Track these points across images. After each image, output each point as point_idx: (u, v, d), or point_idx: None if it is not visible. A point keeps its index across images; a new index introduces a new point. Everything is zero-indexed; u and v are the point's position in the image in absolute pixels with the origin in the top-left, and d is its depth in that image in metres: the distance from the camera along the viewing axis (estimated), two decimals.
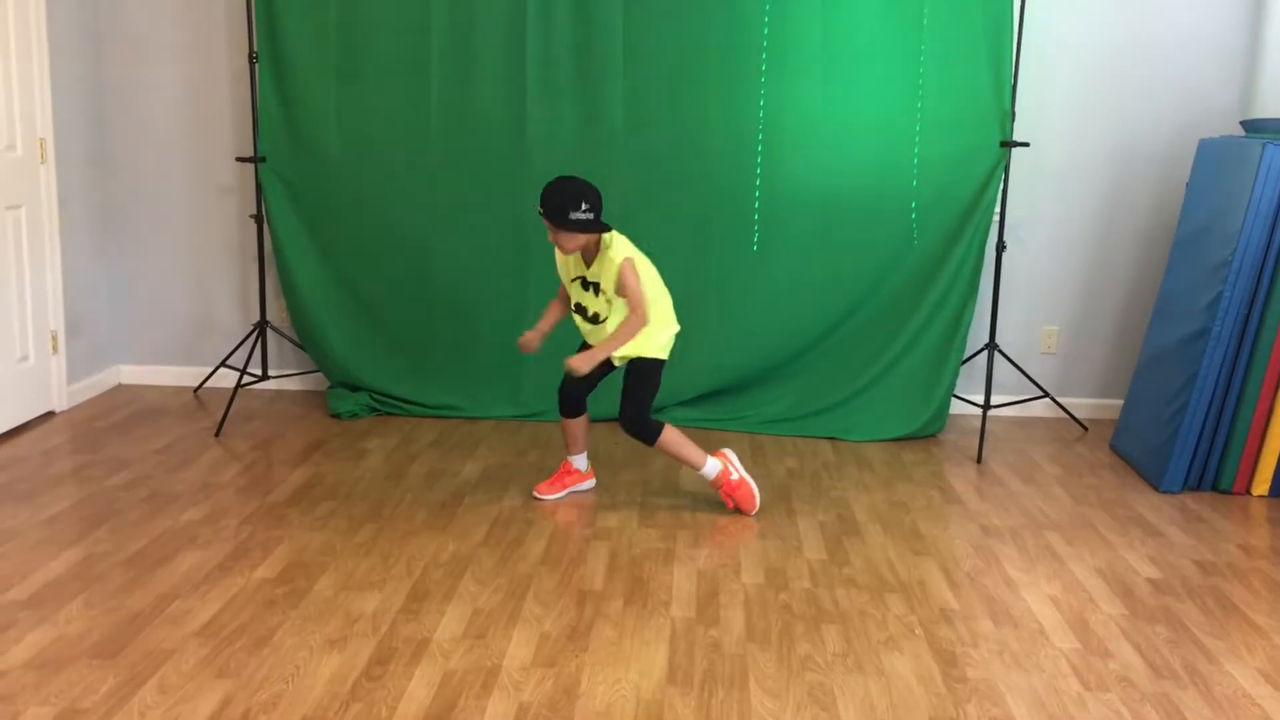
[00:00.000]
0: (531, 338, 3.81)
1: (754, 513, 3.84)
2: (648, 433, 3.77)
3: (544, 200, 3.60)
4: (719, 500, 3.96)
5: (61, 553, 3.39)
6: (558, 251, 3.73)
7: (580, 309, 3.76)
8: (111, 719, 2.51)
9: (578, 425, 3.96)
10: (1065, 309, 5.12)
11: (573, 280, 3.75)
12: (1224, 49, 4.85)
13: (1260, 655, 2.94)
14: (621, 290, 3.64)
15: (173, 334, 5.35)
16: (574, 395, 3.91)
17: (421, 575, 3.30)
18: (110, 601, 3.07)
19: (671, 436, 3.79)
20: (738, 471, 3.86)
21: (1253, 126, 4.51)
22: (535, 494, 3.95)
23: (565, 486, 3.99)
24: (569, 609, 3.10)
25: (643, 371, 3.77)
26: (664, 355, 3.78)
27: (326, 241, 4.96)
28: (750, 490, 3.85)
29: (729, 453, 3.92)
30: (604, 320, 3.71)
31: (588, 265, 3.68)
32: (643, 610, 3.11)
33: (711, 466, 3.83)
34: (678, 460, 3.86)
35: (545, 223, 3.63)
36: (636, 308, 3.64)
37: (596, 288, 3.68)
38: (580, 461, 4.02)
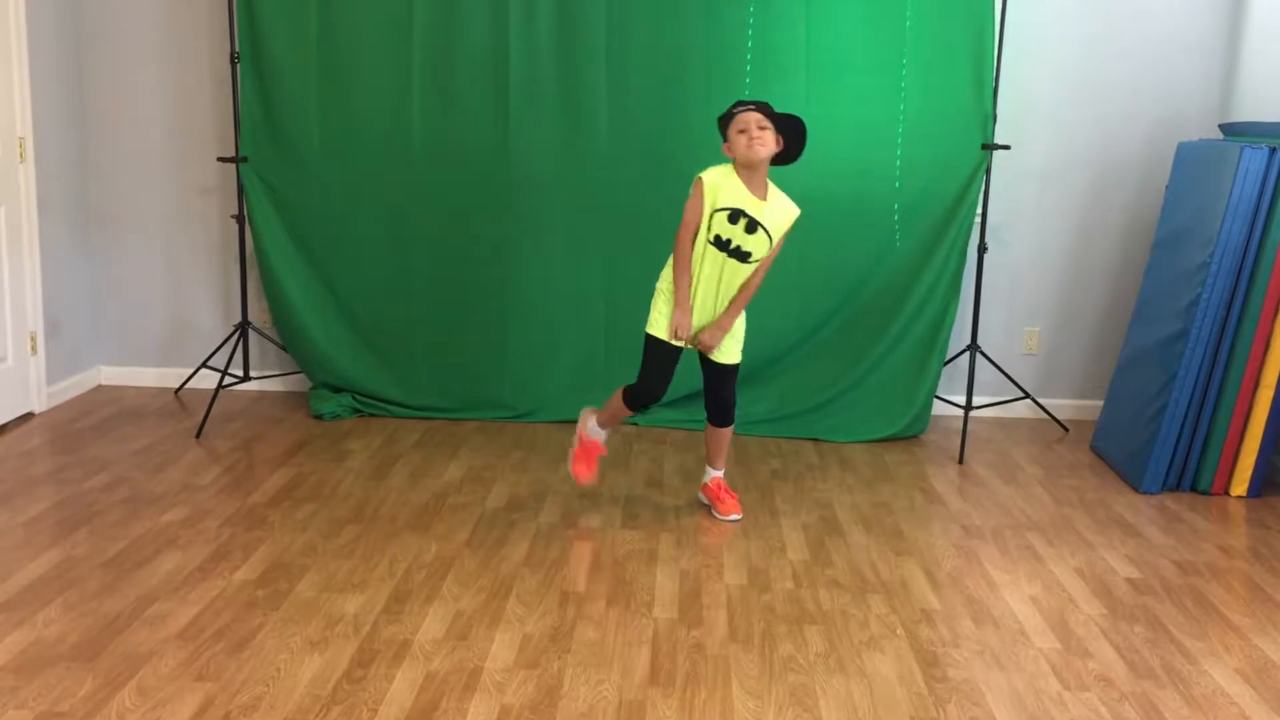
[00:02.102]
0: (686, 319, 3.61)
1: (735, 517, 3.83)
2: (731, 418, 3.85)
3: (751, 102, 3.54)
4: (703, 502, 3.96)
5: (40, 554, 3.37)
6: (710, 177, 3.53)
7: (724, 244, 3.55)
8: None
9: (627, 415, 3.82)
10: (1046, 310, 5.14)
11: (722, 210, 3.51)
12: (1203, 53, 4.88)
13: (1238, 655, 2.96)
14: (779, 247, 3.61)
15: (153, 335, 5.33)
16: (659, 391, 3.71)
17: (404, 577, 3.29)
18: (89, 604, 3.05)
19: (728, 433, 3.88)
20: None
21: (1231, 130, 4.55)
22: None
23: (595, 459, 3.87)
24: (551, 610, 3.10)
25: (733, 375, 3.77)
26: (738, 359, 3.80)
27: (308, 242, 4.94)
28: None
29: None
30: (753, 261, 3.58)
31: (760, 198, 3.53)
32: (625, 611, 3.11)
33: (714, 473, 3.92)
34: (712, 452, 3.89)
35: (748, 118, 3.47)
36: (764, 271, 3.65)
37: (754, 224, 3.52)
38: (605, 435, 3.88)
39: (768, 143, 3.49)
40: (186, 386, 5.24)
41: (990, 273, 4.92)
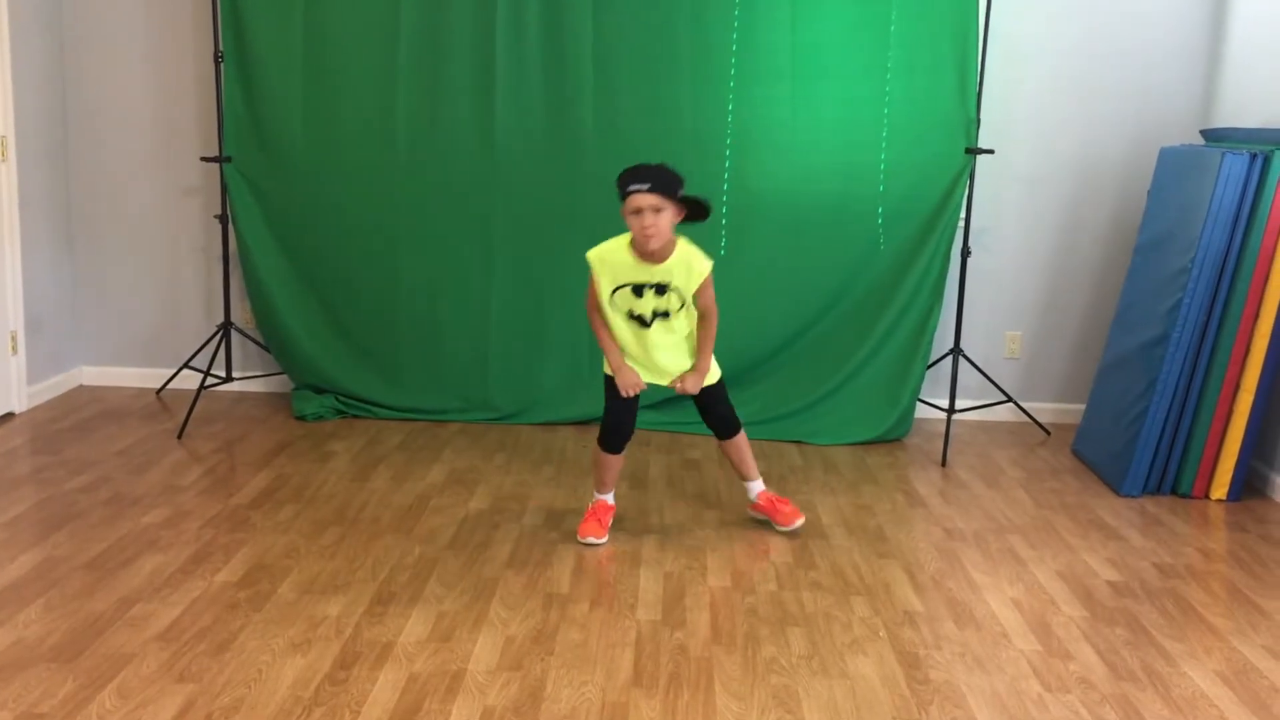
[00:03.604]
0: (632, 377, 3.53)
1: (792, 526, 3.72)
2: (737, 426, 3.73)
3: (645, 175, 3.31)
4: (687, 504, 3.97)
5: (20, 555, 3.35)
6: (598, 252, 3.46)
7: (638, 317, 3.49)
8: None
9: (620, 460, 3.69)
10: (1028, 314, 5.17)
11: (620, 288, 3.45)
12: (1185, 59, 4.91)
13: (1218, 657, 2.98)
14: (704, 298, 3.49)
15: (135, 335, 5.30)
16: (627, 427, 3.63)
17: (387, 578, 3.28)
18: (70, 605, 3.04)
19: (743, 440, 3.77)
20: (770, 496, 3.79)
21: (1212, 135, 4.58)
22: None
23: (606, 523, 3.68)
24: (535, 612, 3.10)
25: (714, 393, 3.67)
26: (718, 374, 3.68)
27: (292, 242, 4.93)
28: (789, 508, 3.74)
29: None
30: (672, 316, 3.48)
31: (656, 262, 3.41)
32: (609, 613, 3.11)
33: (755, 487, 3.79)
34: (741, 463, 3.76)
35: (639, 200, 3.29)
36: (713, 313, 3.54)
37: (661, 289, 3.43)
38: (611, 497, 3.75)
39: (662, 229, 3.32)
40: (168, 387, 5.22)
41: (973, 277, 4.94)
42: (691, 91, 4.74)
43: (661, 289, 3.44)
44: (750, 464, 3.77)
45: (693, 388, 3.58)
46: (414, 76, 4.78)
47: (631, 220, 3.36)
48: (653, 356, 3.57)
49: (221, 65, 4.77)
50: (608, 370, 3.59)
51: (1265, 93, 4.46)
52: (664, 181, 3.33)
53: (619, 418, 3.61)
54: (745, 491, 3.81)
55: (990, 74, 4.73)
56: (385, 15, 4.74)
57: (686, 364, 3.60)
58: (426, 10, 4.73)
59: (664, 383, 3.64)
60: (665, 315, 3.50)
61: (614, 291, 3.47)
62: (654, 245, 3.36)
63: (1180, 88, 4.94)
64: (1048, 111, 4.98)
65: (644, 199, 3.30)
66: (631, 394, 3.54)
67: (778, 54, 4.72)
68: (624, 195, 3.34)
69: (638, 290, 3.45)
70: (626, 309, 3.49)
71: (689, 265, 3.45)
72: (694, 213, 3.41)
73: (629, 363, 3.57)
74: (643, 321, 3.50)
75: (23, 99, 4.78)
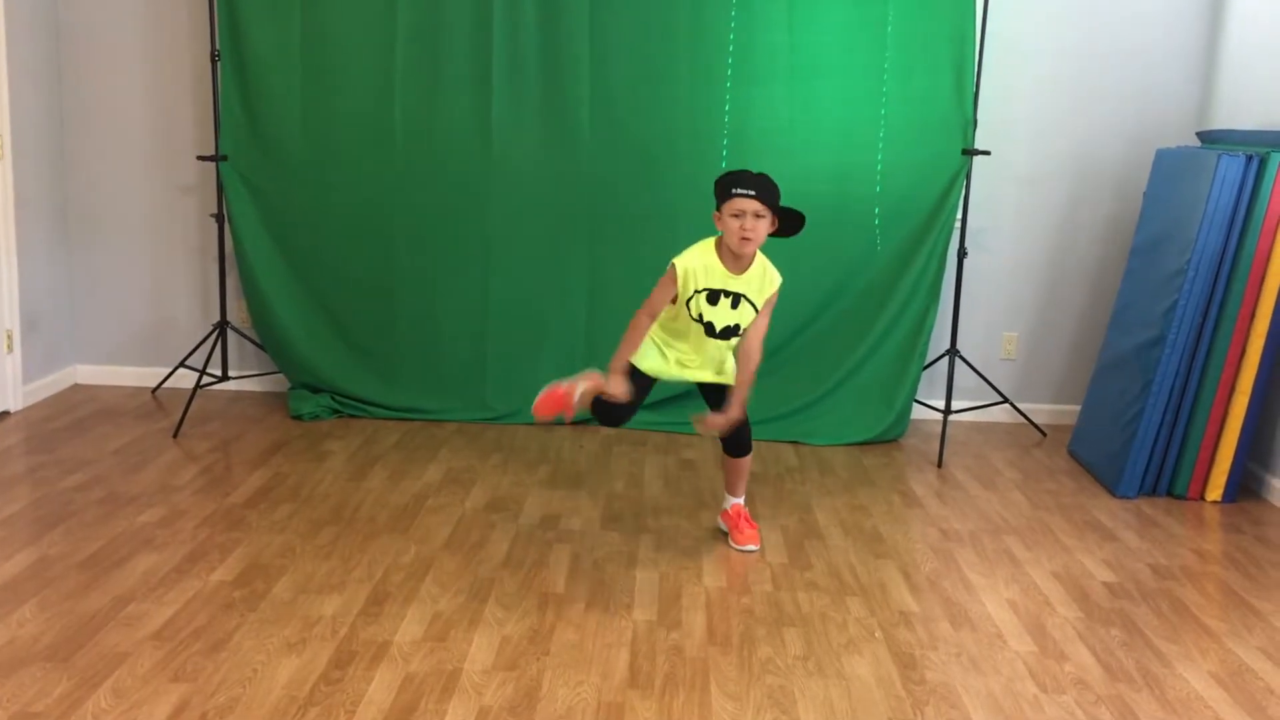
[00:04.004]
0: (622, 388, 3.39)
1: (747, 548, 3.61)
2: (749, 446, 3.65)
3: (753, 182, 3.29)
4: (683, 504, 3.97)
5: (15, 554, 3.34)
6: (687, 261, 3.35)
7: (708, 325, 3.40)
8: None
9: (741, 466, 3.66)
10: (1025, 315, 5.17)
11: (699, 292, 3.36)
12: (1181, 62, 4.92)
13: (1213, 658, 2.98)
14: (762, 319, 3.44)
15: (131, 334, 5.29)
16: (624, 416, 3.51)
17: (382, 578, 3.28)
18: (65, 604, 3.03)
19: (748, 461, 3.70)
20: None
21: (1208, 137, 4.59)
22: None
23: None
24: (530, 612, 3.10)
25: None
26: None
27: (288, 241, 4.93)
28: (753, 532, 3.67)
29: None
30: (740, 332, 3.42)
31: (738, 273, 3.37)
32: (604, 613, 3.11)
33: (734, 500, 3.71)
34: (732, 480, 3.69)
35: (745, 204, 3.26)
36: (758, 347, 3.47)
37: (737, 299, 3.37)
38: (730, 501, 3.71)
39: (760, 236, 3.30)
40: (164, 386, 5.21)
41: (970, 278, 4.95)
42: (689, 91, 4.74)
43: (737, 300, 3.39)
44: (741, 483, 3.70)
45: (720, 425, 3.48)
46: (411, 76, 4.77)
47: (730, 223, 3.30)
48: (709, 354, 3.48)
49: (218, 64, 4.76)
50: (637, 363, 3.47)
51: (1261, 95, 4.47)
52: (769, 191, 3.32)
53: (618, 405, 3.45)
54: (723, 501, 3.76)
55: (987, 75, 4.74)
56: (382, 14, 4.74)
57: (729, 370, 3.53)
58: (423, 11, 4.72)
59: (688, 377, 3.55)
60: (736, 332, 3.43)
61: (690, 299, 3.39)
62: (750, 250, 3.33)
63: (1176, 90, 4.94)
64: (1044, 113, 4.98)
65: (750, 204, 3.28)
66: (614, 397, 3.38)
67: (775, 54, 4.72)
68: (728, 196, 3.31)
69: (713, 297, 3.38)
70: (698, 313, 3.39)
71: (764, 273, 3.42)
72: (786, 226, 3.39)
73: (673, 354, 3.50)
74: (711, 330, 3.41)
75: (19, 97, 4.77)
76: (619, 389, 3.37)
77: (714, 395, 3.61)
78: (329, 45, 4.78)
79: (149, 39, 5.04)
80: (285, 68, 4.79)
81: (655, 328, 3.50)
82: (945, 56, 4.67)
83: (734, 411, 3.47)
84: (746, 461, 3.69)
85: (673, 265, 3.38)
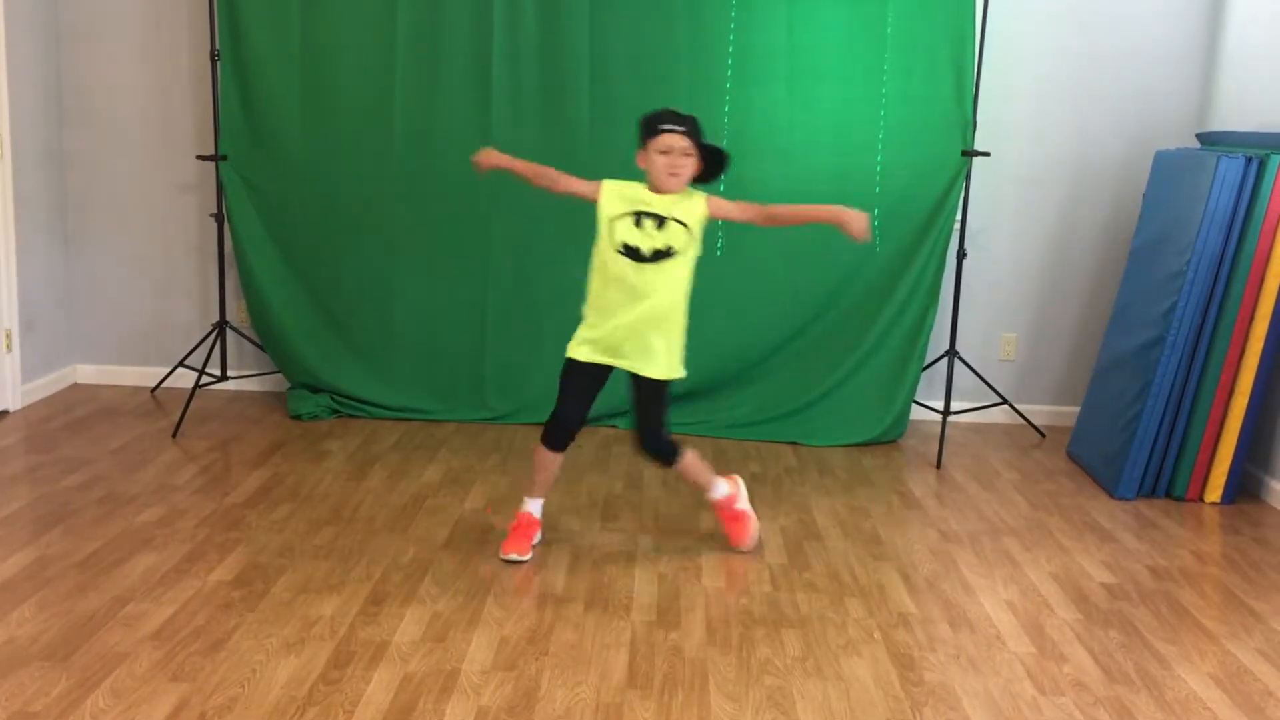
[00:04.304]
0: (494, 157, 3.41)
1: (745, 547, 3.57)
2: (669, 453, 3.46)
3: (682, 118, 3.26)
4: (681, 505, 3.97)
5: (14, 554, 3.34)
6: (613, 186, 3.33)
7: (632, 251, 3.28)
8: None
9: (558, 463, 3.50)
10: (1024, 316, 5.17)
11: (622, 217, 3.29)
12: (1181, 63, 4.92)
13: (1211, 660, 2.98)
14: (735, 208, 3.37)
15: (130, 333, 5.29)
16: (573, 424, 3.43)
17: (381, 578, 3.28)
18: (63, 604, 3.03)
19: (691, 460, 3.52)
20: (744, 502, 3.62)
21: (1208, 139, 4.59)
22: (507, 556, 3.43)
23: (532, 540, 3.52)
24: (529, 612, 3.10)
25: (658, 390, 3.40)
26: (681, 374, 3.43)
27: (288, 241, 4.93)
28: (749, 525, 3.59)
29: (740, 481, 3.67)
30: (674, 256, 3.29)
31: (659, 193, 3.31)
32: (603, 614, 3.11)
33: (720, 488, 3.59)
34: (693, 484, 3.62)
35: (674, 140, 3.23)
36: (761, 205, 3.39)
37: (662, 220, 3.28)
38: (539, 507, 3.56)
39: (687, 174, 3.28)
40: (163, 386, 5.21)
41: (969, 278, 4.95)
42: (688, 92, 4.74)
43: (662, 221, 3.28)
44: (706, 477, 3.58)
45: (859, 225, 3.29)
46: (410, 76, 4.77)
47: (658, 160, 3.28)
48: (637, 312, 3.30)
49: (217, 63, 4.76)
50: (571, 353, 3.38)
51: (1261, 97, 4.47)
52: (696, 129, 3.30)
53: (568, 408, 3.38)
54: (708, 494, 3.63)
55: (987, 76, 4.74)
56: (381, 14, 4.74)
57: (655, 355, 3.34)
58: (423, 11, 4.72)
59: (619, 363, 3.37)
60: (668, 254, 3.29)
61: (614, 221, 3.30)
62: (676, 188, 3.29)
63: (1176, 91, 4.94)
64: (1044, 114, 4.98)
65: (678, 140, 3.26)
66: (480, 164, 3.34)
67: (774, 56, 4.72)
68: (654, 133, 3.27)
69: (638, 219, 3.29)
70: (622, 241, 3.28)
71: (687, 194, 3.34)
72: (710, 169, 3.36)
73: (603, 333, 3.34)
74: (638, 255, 3.27)
75: (18, 96, 4.77)
76: (487, 159, 3.45)
77: (642, 397, 3.43)
78: (329, 45, 4.78)
79: (148, 38, 5.04)
80: (285, 67, 4.79)
81: (586, 309, 3.39)
82: (945, 57, 4.67)
83: (823, 211, 3.40)
84: (690, 462, 3.53)
85: (603, 182, 3.36)
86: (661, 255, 3.30)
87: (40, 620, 2.93)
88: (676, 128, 3.27)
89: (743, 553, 3.58)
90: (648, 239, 3.30)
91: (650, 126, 3.31)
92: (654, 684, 2.74)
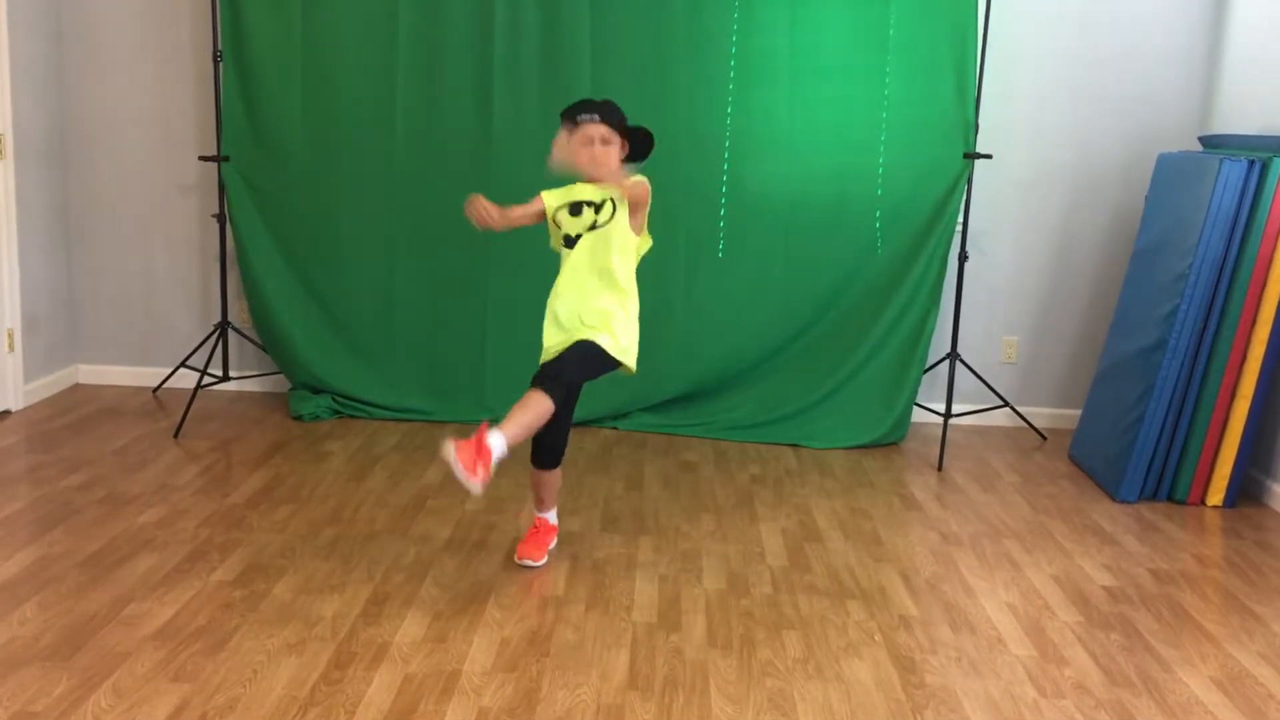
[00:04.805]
0: (492, 212, 3.29)
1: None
2: (554, 392, 3.24)
3: (594, 106, 3.27)
4: (682, 507, 3.97)
5: (15, 554, 3.34)
6: (551, 192, 3.34)
7: (575, 241, 3.29)
8: None
9: (556, 476, 3.50)
10: (1025, 319, 5.17)
11: (561, 207, 3.32)
12: (1183, 66, 4.92)
13: (1213, 663, 2.98)
14: (637, 204, 3.26)
15: (132, 333, 5.29)
16: (555, 444, 3.41)
17: (382, 579, 3.28)
18: (65, 603, 3.03)
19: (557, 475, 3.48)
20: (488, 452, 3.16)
21: (1210, 142, 4.59)
22: (522, 561, 3.42)
23: (548, 546, 3.50)
24: (530, 614, 3.09)
25: (591, 354, 3.28)
26: (625, 360, 3.32)
27: (289, 242, 4.93)
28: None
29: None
30: (602, 228, 3.26)
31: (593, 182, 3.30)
32: (604, 615, 3.11)
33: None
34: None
35: (591, 130, 3.24)
36: (642, 223, 3.31)
37: (599, 206, 3.28)
38: (553, 516, 3.55)
39: (611, 161, 3.26)
40: (165, 386, 5.21)
41: (970, 281, 4.95)
42: (690, 94, 4.75)
43: (599, 207, 3.28)
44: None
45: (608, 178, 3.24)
46: (412, 78, 4.78)
47: (581, 153, 3.27)
48: (569, 288, 3.30)
49: (220, 65, 4.77)
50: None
51: (1263, 100, 4.47)
52: (612, 112, 3.29)
53: (545, 436, 3.32)
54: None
55: (989, 78, 4.74)
56: (383, 16, 4.74)
57: (587, 318, 3.28)
58: (425, 13, 4.73)
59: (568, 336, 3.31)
60: (594, 227, 3.27)
61: (553, 219, 3.33)
62: (602, 175, 3.25)
63: (1178, 94, 4.94)
64: (1046, 116, 4.98)
65: (596, 128, 3.25)
66: (476, 219, 3.29)
67: (776, 58, 4.73)
68: (573, 125, 3.27)
69: (575, 209, 3.30)
70: (564, 233, 3.31)
71: (621, 180, 3.26)
72: (637, 149, 3.35)
73: (554, 311, 3.32)
74: (569, 242, 3.29)
75: (21, 97, 4.78)
76: (482, 210, 3.31)
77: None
78: (331, 46, 4.79)
79: (150, 39, 5.04)
80: (287, 68, 4.79)
81: (551, 298, 3.36)
82: (947, 60, 4.67)
83: (620, 179, 3.24)
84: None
85: (541, 196, 3.36)
86: (590, 229, 3.28)
87: (42, 620, 2.93)
88: (591, 116, 3.27)
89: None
90: (584, 223, 3.29)
91: (568, 119, 3.31)
92: (655, 686, 2.74)
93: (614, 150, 3.30)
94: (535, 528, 3.52)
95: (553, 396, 3.22)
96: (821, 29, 4.70)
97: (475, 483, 2.97)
